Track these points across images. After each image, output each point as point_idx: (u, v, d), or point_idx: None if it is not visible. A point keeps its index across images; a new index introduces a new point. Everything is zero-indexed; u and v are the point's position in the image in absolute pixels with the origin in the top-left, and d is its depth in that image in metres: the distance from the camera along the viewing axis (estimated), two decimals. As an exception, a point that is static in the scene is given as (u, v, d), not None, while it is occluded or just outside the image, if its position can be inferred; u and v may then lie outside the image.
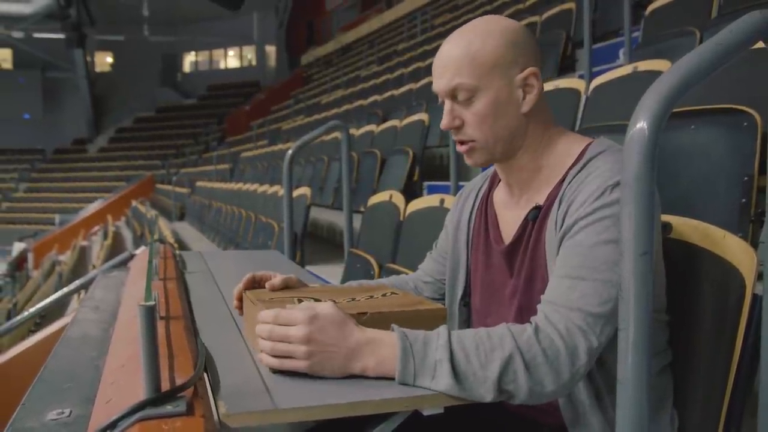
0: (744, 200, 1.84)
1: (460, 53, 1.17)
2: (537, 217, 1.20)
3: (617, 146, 1.17)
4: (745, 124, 1.89)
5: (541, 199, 1.21)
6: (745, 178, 1.85)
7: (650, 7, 4.05)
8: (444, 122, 1.21)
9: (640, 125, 0.81)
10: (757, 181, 1.85)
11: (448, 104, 1.20)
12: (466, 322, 1.38)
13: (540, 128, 1.22)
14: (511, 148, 1.21)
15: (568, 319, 1.02)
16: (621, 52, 4.21)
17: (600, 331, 1.02)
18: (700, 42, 3.00)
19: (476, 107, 1.17)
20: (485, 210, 1.35)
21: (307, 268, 2.88)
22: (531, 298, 1.18)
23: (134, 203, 17.09)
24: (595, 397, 1.11)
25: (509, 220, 1.27)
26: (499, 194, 1.33)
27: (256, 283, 1.31)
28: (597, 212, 1.06)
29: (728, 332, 1.10)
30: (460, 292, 1.37)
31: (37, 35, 29.80)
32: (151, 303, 0.77)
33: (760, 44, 0.96)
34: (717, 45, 0.85)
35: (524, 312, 1.19)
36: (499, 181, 1.34)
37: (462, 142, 1.22)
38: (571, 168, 1.17)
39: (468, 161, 1.24)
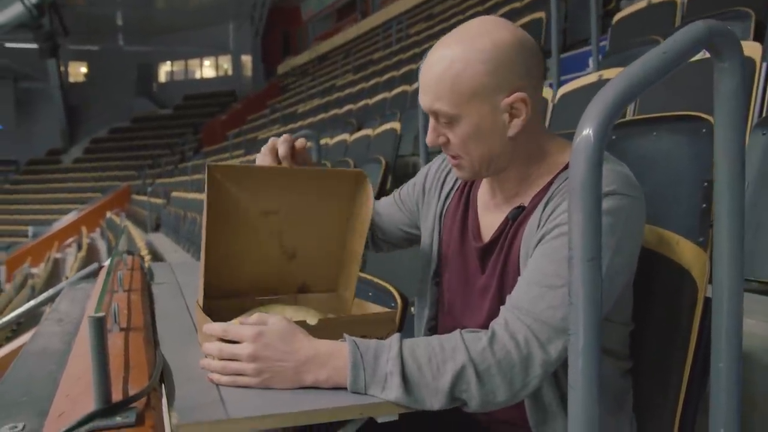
0: (704, 205, 1.87)
1: (441, 74, 1.11)
2: (518, 216, 1.18)
3: (610, 157, 1.13)
4: (704, 130, 1.93)
5: (525, 201, 1.19)
6: (705, 184, 1.88)
7: (617, 17, 4.12)
8: (428, 139, 1.18)
9: (586, 132, 0.82)
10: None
11: (432, 121, 1.17)
12: (437, 303, 1.36)
13: (527, 143, 1.17)
14: (497, 167, 1.19)
15: (528, 329, 1.01)
16: (590, 61, 4.26)
17: (560, 345, 1.00)
18: (665, 50, 3.04)
19: (457, 131, 1.14)
20: (467, 196, 1.33)
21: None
22: (504, 299, 1.16)
23: (109, 214, 16.92)
24: (560, 399, 1.11)
25: (488, 221, 1.26)
26: (482, 191, 1.31)
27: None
28: None
29: (682, 336, 1.12)
30: (433, 268, 1.35)
31: (9, 45, 29.36)
32: (101, 314, 0.77)
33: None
34: (662, 54, 0.87)
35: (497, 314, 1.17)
36: None
37: (452, 156, 1.20)
38: (560, 172, 1.15)
39: (456, 175, 1.24)
